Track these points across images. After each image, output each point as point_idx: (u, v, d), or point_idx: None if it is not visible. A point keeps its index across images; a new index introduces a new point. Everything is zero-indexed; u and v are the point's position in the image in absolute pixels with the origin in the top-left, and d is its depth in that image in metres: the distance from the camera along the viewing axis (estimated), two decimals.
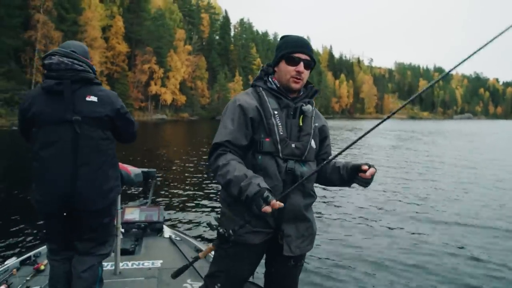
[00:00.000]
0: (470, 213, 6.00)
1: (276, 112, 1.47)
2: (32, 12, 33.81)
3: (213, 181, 8.21)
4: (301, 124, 1.51)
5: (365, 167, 1.44)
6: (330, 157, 1.43)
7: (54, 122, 1.74)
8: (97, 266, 1.95)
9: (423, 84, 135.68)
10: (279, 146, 1.45)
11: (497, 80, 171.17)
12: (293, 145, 1.47)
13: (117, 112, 1.88)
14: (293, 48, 1.49)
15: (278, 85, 1.54)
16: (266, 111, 1.47)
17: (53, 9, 34.69)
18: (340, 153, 1.34)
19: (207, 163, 1.43)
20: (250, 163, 1.46)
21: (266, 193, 1.26)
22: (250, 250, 1.49)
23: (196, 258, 1.58)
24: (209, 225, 1.55)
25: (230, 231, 1.40)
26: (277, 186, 1.44)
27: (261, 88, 1.54)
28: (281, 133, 1.45)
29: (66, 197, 1.76)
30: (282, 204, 1.25)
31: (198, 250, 2.92)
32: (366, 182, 1.47)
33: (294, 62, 1.48)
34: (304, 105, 1.52)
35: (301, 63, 1.48)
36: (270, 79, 1.56)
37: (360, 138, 1.36)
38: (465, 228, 5.19)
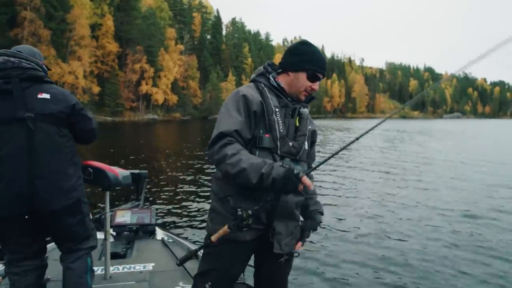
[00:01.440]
0: (461, 209, 6.08)
1: (277, 110, 1.49)
2: (18, 9, 33.15)
3: (207, 181, 8.14)
4: (297, 124, 1.54)
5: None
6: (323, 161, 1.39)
7: (4, 122, 1.67)
8: (85, 257, 1.92)
9: (413, 84, 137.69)
10: (278, 143, 1.46)
11: (485, 80, 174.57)
12: (290, 144, 1.49)
13: (72, 108, 1.83)
14: (318, 67, 1.53)
15: (281, 85, 1.55)
16: (269, 107, 1.47)
17: (41, 6, 34.09)
18: (335, 154, 1.37)
19: (206, 152, 1.46)
20: None
21: (296, 170, 1.29)
22: (241, 247, 1.48)
23: (208, 244, 1.50)
24: None
25: (249, 212, 1.36)
26: None
27: (263, 85, 1.54)
28: (281, 131, 1.47)
29: (24, 198, 1.68)
30: (309, 182, 1.30)
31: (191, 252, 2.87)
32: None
33: (314, 79, 1.53)
34: (302, 107, 1.56)
35: (318, 82, 1.55)
36: (272, 78, 1.57)
37: (354, 141, 1.39)
38: (459, 225, 5.24)
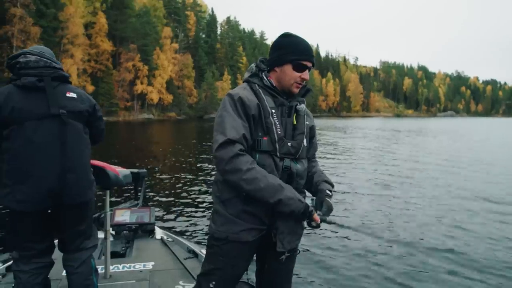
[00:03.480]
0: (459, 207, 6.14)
1: (273, 111, 1.46)
2: (7, 6, 32.58)
3: (205, 179, 8.13)
4: (295, 122, 1.52)
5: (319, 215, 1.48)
6: None
7: (39, 117, 1.73)
8: (89, 259, 1.98)
9: (407, 82, 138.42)
10: (277, 145, 1.45)
11: (477, 78, 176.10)
12: (289, 144, 1.48)
13: (93, 108, 1.96)
14: (303, 55, 1.49)
15: (274, 84, 1.52)
16: (265, 110, 1.46)
17: (31, 3, 33.52)
18: None
19: (216, 156, 1.36)
20: None
21: (310, 207, 1.44)
22: (243, 247, 1.49)
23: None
24: None
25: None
26: None
27: (257, 86, 1.51)
28: (279, 132, 1.46)
29: (54, 193, 1.74)
30: (318, 218, 1.45)
31: (191, 250, 2.88)
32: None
33: (301, 69, 1.49)
34: (298, 104, 1.53)
35: (307, 70, 1.51)
36: (265, 77, 1.53)
37: None
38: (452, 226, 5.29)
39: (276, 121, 1.45)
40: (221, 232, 1.48)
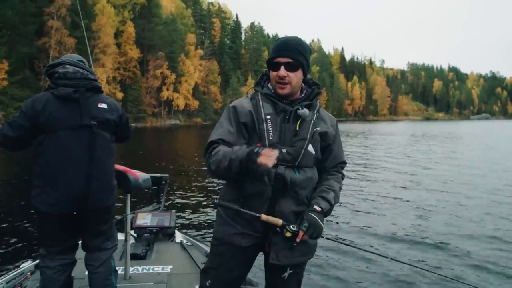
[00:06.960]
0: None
1: (268, 117, 1.46)
2: (46, 19, 34.63)
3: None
4: (298, 128, 1.47)
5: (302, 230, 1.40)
6: None
7: (72, 127, 1.84)
8: (109, 259, 2.06)
9: (437, 84, 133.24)
10: None
11: None
12: (284, 150, 1.44)
13: (121, 117, 2.06)
14: (273, 53, 1.48)
15: (273, 90, 1.53)
16: (259, 116, 1.47)
17: (67, 15, 35.47)
18: None
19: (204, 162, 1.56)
20: None
21: (256, 149, 1.31)
22: (237, 252, 1.49)
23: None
24: None
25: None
26: (265, 190, 1.44)
27: (259, 93, 1.54)
28: (271, 138, 1.44)
29: (80, 199, 1.84)
30: (276, 152, 1.29)
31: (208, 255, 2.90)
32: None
33: (275, 67, 1.47)
34: (300, 108, 1.47)
35: (282, 67, 1.45)
36: (267, 84, 1.57)
37: None
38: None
39: (270, 127, 1.45)
40: (219, 233, 1.53)
